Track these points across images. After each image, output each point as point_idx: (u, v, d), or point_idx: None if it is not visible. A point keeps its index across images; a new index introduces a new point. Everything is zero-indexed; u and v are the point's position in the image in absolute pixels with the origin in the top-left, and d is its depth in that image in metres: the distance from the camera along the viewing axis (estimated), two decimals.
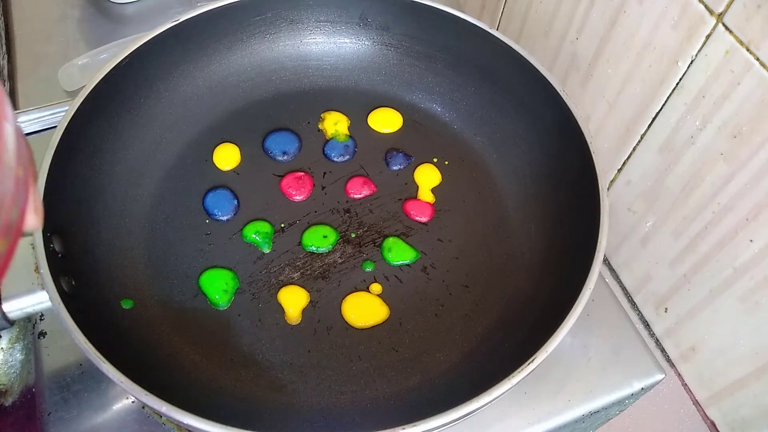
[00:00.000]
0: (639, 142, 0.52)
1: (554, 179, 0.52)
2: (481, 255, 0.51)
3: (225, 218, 0.51)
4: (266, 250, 0.50)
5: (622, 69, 0.52)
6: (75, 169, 0.47)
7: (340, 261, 0.50)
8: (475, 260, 0.51)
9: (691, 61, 0.45)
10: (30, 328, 0.49)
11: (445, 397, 0.38)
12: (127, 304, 0.46)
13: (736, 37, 0.41)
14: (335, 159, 0.55)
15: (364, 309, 0.48)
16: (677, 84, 0.47)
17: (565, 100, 0.49)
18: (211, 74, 0.57)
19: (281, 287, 0.48)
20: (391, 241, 0.51)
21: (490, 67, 0.56)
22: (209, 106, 0.57)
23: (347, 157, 0.56)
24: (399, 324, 0.47)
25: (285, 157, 0.55)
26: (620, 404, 0.50)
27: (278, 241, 0.51)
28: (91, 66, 0.61)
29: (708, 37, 0.43)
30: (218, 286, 0.48)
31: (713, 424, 0.52)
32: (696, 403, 0.53)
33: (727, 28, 0.42)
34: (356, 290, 0.48)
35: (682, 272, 0.51)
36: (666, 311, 0.54)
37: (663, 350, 0.55)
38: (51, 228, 0.41)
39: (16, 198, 0.19)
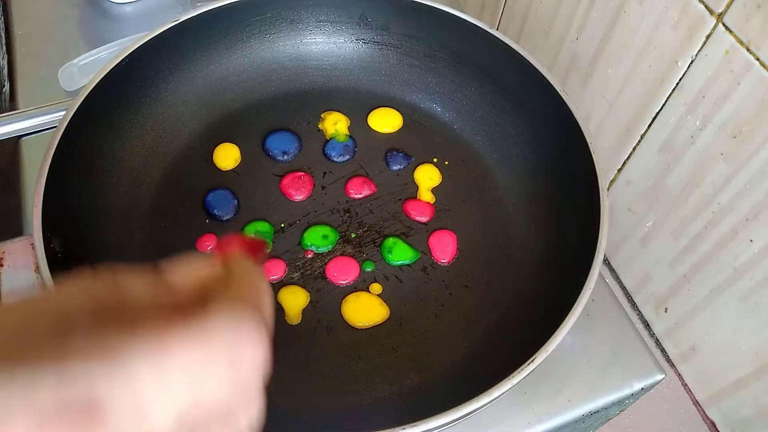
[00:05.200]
0: (639, 142, 0.52)
1: (554, 179, 0.52)
2: (481, 255, 0.51)
3: (225, 218, 0.51)
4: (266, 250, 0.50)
5: (622, 69, 0.52)
6: (75, 169, 0.47)
7: None
8: (475, 260, 0.51)
9: (691, 61, 0.45)
10: None
11: (445, 397, 0.38)
12: None
13: (736, 37, 0.41)
14: (335, 159, 0.55)
15: (364, 309, 0.48)
16: (677, 84, 0.47)
17: (565, 100, 0.49)
18: (211, 74, 0.57)
19: (281, 287, 0.48)
20: (391, 241, 0.51)
21: (490, 67, 0.56)
22: (209, 106, 0.57)
23: (347, 157, 0.56)
24: (399, 324, 0.47)
25: (285, 157, 0.55)
26: (620, 404, 0.50)
27: (278, 241, 0.51)
28: (91, 66, 0.62)
29: (708, 37, 0.43)
30: None
31: (713, 424, 0.52)
32: (696, 403, 0.53)
33: (727, 28, 0.42)
34: (356, 290, 0.48)
35: (682, 272, 0.51)
36: (666, 311, 0.54)
37: (663, 350, 0.55)
38: (51, 228, 0.41)
39: None
